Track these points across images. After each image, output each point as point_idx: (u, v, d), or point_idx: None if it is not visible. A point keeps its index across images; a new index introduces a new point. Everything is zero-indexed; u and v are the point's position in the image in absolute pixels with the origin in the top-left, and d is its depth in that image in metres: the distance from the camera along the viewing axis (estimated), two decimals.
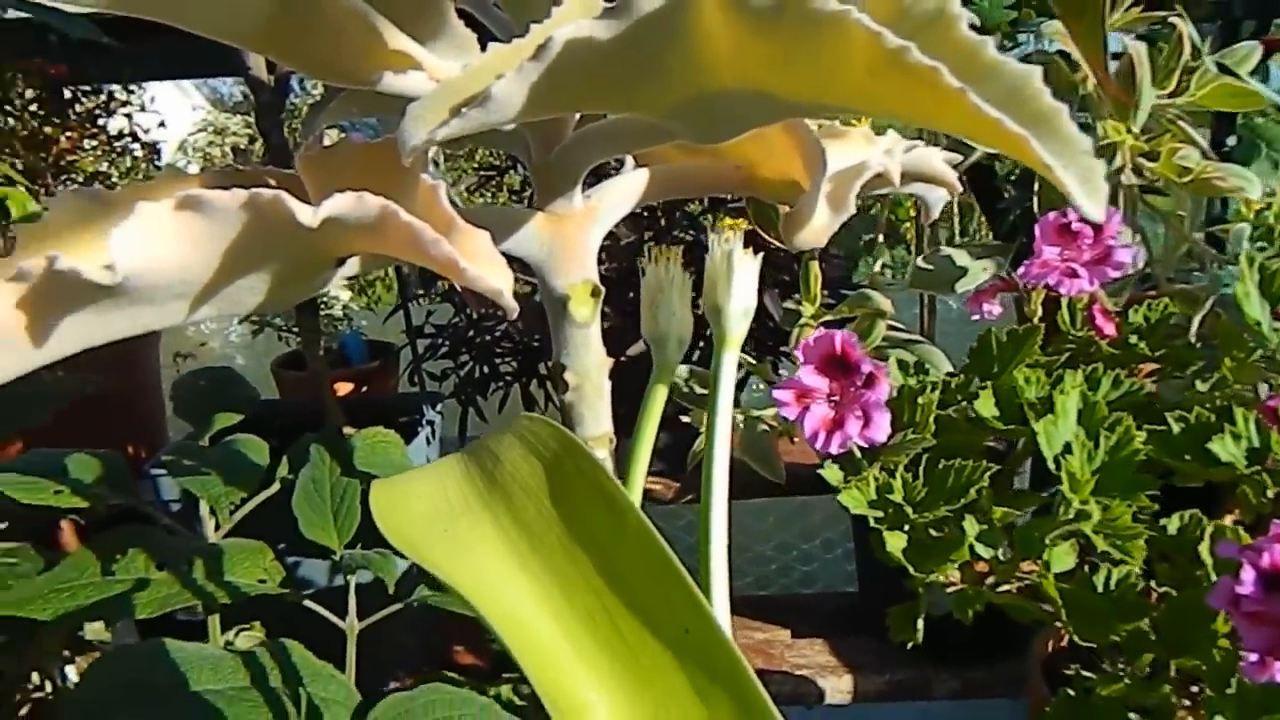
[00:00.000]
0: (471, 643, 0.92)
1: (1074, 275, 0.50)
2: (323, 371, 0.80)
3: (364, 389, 1.19)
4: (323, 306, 1.36)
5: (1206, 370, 0.55)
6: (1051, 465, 0.40)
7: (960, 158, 0.57)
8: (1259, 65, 0.77)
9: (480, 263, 0.34)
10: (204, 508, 0.63)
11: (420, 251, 0.34)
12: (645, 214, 1.06)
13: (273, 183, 0.43)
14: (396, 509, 0.31)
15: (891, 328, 0.74)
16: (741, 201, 1.11)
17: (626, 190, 0.47)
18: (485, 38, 0.38)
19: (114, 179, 1.31)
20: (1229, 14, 1.13)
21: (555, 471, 0.30)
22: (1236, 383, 0.56)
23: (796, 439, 0.58)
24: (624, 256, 0.99)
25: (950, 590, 0.45)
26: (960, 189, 0.55)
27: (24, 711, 0.67)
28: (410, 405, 1.00)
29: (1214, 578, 0.42)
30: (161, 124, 1.48)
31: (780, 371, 0.93)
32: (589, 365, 0.47)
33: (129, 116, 1.34)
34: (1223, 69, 0.72)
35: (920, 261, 0.75)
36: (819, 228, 0.43)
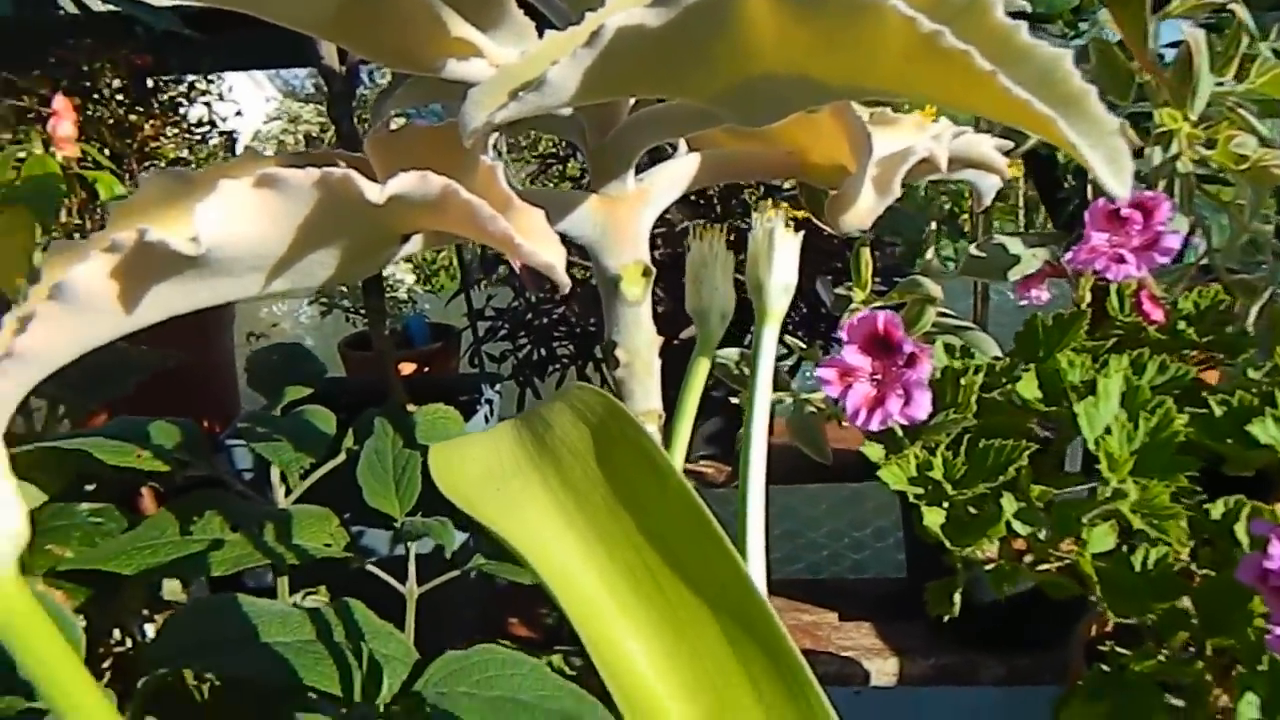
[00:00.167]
0: (526, 615, 0.95)
1: (1121, 261, 0.50)
2: (387, 351, 0.83)
3: (426, 369, 1.22)
4: (388, 289, 1.40)
5: (1261, 357, 0.55)
6: (1092, 446, 0.41)
7: (1011, 144, 0.57)
8: None
9: (534, 239, 0.36)
10: (274, 475, 0.66)
11: (478, 228, 0.35)
12: (700, 201, 1.07)
13: (342, 164, 0.45)
14: (453, 469, 0.33)
15: (942, 314, 0.74)
16: (794, 189, 1.11)
17: (678, 174, 0.48)
18: (543, 25, 0.40)
19: (193, 165, 1.35)
20: None
21: (601, 435, 0.32)
22: None
23: (845, 424, 0.59)
24: (678, 242, 1.00)
25: (988, 568, 0.45)
26: (1009, 175, 0.55)
27: (106, 664, 0.71)
28: (470, 385, 1.02)
29: None
30: (238, 113, 1.53)
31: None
32: (639, 343, 0.49)
33: (208, 105, 1.39)
34: None
35: (973, 249, 0.75)
36: (864, 210, 0.43)
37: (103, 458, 0.58)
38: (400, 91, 0.51)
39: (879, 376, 0.45)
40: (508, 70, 0.37)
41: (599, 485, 0.31)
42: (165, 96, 1.32)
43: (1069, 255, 0.53)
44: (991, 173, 0.57)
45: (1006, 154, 0.57)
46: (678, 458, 0.37)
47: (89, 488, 0.68)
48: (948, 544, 0.43)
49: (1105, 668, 0.42)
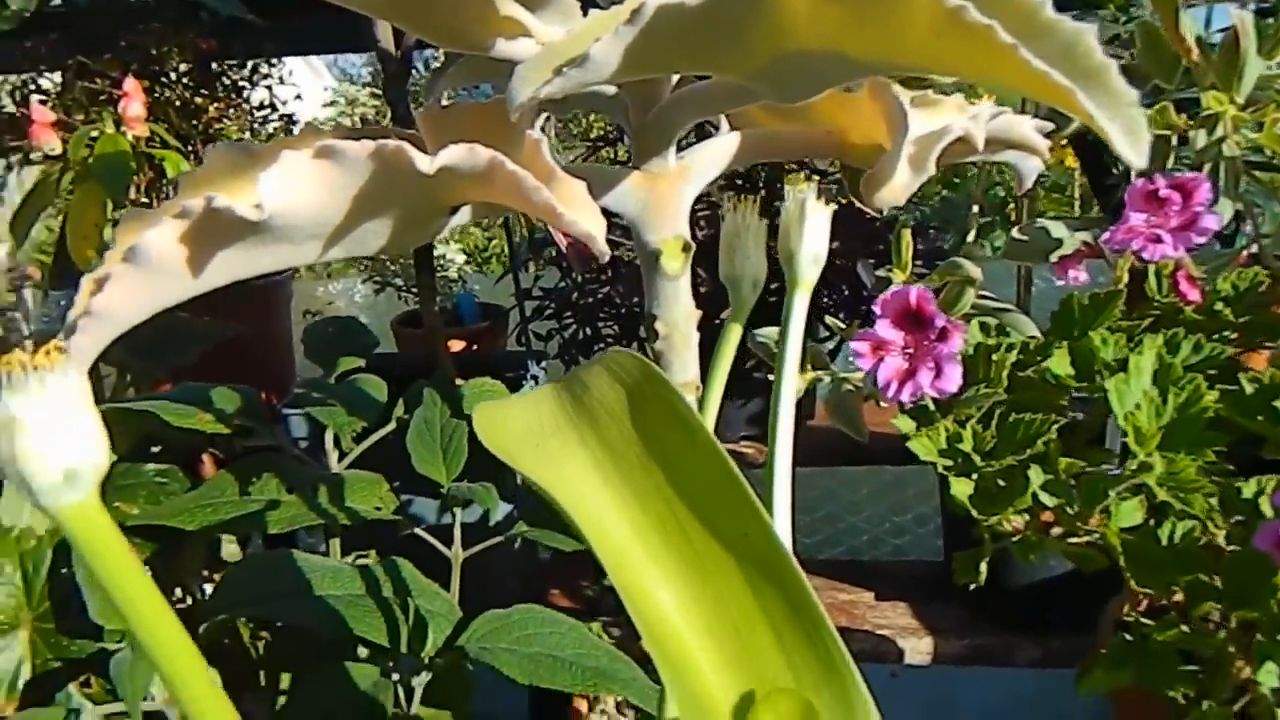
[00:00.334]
0: (568, 587, 0.97)
1: (1158, 241, 0.50)
2: (437, 326, 0.85)
3: (474, 347, 1.25)
4: (439, 269, 1.42)
5: None
6: (1121, 421, 0.41)
7: (1052, 126, 0.57)
8: None
9: (576, 209, 0.37)
10: (328, 441, 0.68)
11: (523, 198, 0.37)
12: (747, 184, 1.07)
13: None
14: (496, 426, 0.34)
15: (982, 297, 0.74)
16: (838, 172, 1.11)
17: (718, 152, 0.49)
18: (588, 5, 0.41)
19: None
20: None
21: (636, 396, 0.33)
22: None
23: (885, 404, 0.60)
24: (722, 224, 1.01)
25: (1014, 539, 0.46)
26: (1050, 159, 0.55)
27: None
28: (516, 362, 1.04)
29: None
30: (298, 96, 1.57)
31: None
32: (678, 316, 0.50)
33: (269, 88, 1.42)
34: None
35: (1016, 233, 0.75)
36: (899, 186, 0.44)
37: (168, 419, 0.61)
38: (452, 71, 0.53)
39: (911, 350, 0.45)
40: (553, 47, 0.39)
41: (633, 443, 0.32)
42: (229, 80, 1.36)
43: (1106, 235, 0.53)
44: (1032, 154, 0.57)
45: (1050, 137, 0.57)
46: (709, 418, 0.38)
47: (154, 450, 0.71)
48: (975, 514, 0.44)
49: (1129, 637, 0.42)
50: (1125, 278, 0.54)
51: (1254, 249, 0.75)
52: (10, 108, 1.32)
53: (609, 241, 1.10)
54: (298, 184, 0.36)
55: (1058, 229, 0.70)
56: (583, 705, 0.75)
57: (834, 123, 0.51)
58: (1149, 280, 0.53)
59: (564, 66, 0.36)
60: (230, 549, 0.77)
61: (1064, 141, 0.99)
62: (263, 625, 0.68)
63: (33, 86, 1.32)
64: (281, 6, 1.31)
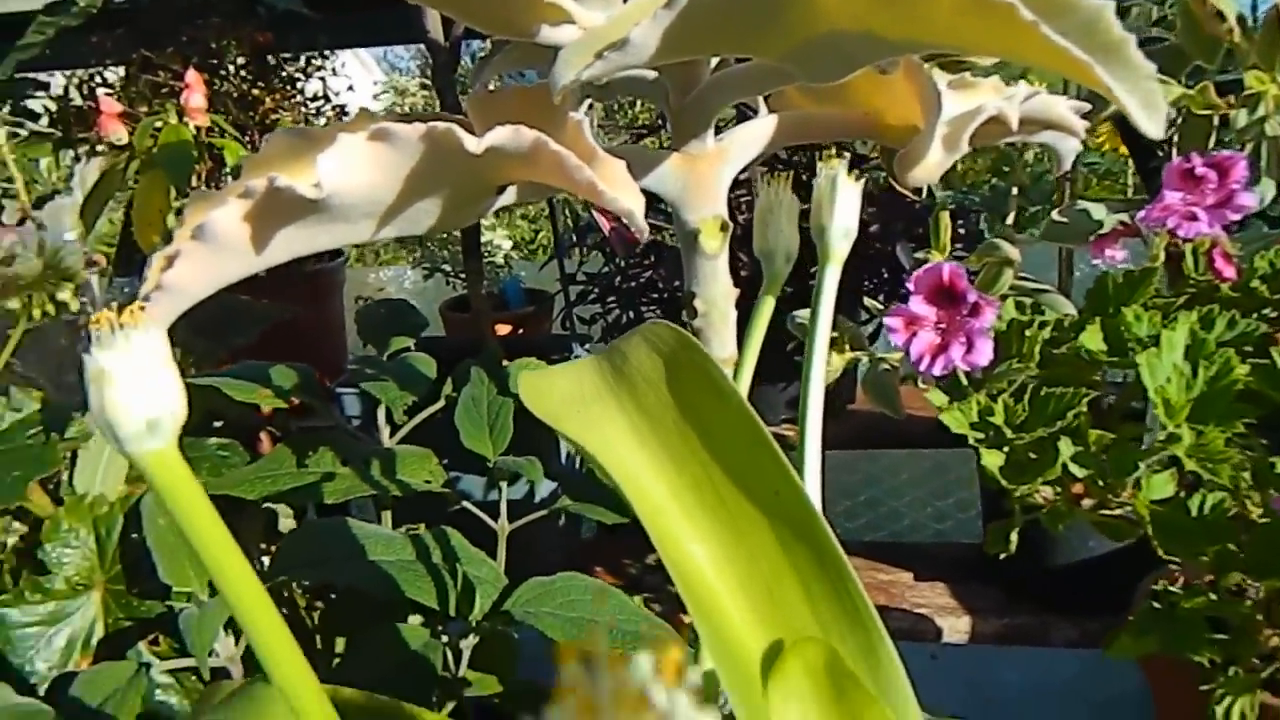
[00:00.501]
0: (611, 564, 0.99)
1: (1193, 218, 0.49)
2: (484, 308, 0.87)
3: (520, 330, 1.27)
4: (486, 255, 1.45)
5: None
6: (1152, 395, 0.41)
7: (1089, 106, 0.57)
8: None
9: (617, 187, 0.39)
10: (380, 417, 0.71)
11: (566, 176, 0.38)
12: (781, 163, 1.08)
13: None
14: (541, 393, 0.36)
15: (1021, 278, 0.74)
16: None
17: (756, 134, 0.50)
18: None
19: None
20: None
21: (672, 364, 0.34)
22: None
23: (924, 386, 0.60)
24: None
25: (1044, 509, 0.46)
26: (1084, 136, 0.55)
27: None
28: (561, 345, 1.06)
29: None
30: (350, 88, 1.60)
31: None
32: (716, 294, 0.51)
33: (323, 80, 1.45)
34: None
35: (1056, 215, 0.74)
36: (932, 165, 0.45)
37: (231, 393, 0.63)
38: (498, 58, 0.55)
39: (944, 326, 0.46)
40: (595, 32, 0.40)
41: (670, 409, 0.34)
42: (284, 73, 1.39)
43: (1142, 214, 0.53)
44: (1070, 135, 0.57)
45: (1089, 118, 0.57)
46: (743, 385, 0.39)
47: (217, 425, 0.74)
48: (1005, 484, 0.45)
49: (1156, 604, 0.43)
50: (1161, 256, 0.54)
51: None
52: (77, 101, 1.37)
53: (650, 226, 1.12)
54: (354, 164, 0.38)
55: (1098, 211, 0.70)
56: None
57: (870, 105, 0.52)
58: (1186, 258, 0.53)
59: (605, 50, 0.37)
60: (286, 522, 0.80)
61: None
62: (317, 595, 0.70)
63: (99, 80, 1.36)
64: (335, 1, 1.34)
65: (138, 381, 0.23)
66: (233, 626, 0.53)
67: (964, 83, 0.54)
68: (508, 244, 1.52)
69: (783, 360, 1.09)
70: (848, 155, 0.99)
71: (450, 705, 0.53)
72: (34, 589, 0.56)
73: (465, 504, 0.66)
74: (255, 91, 1.28)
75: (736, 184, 0.54)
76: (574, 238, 1.35)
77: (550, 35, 0.44)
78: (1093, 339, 0.46)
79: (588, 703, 0.08)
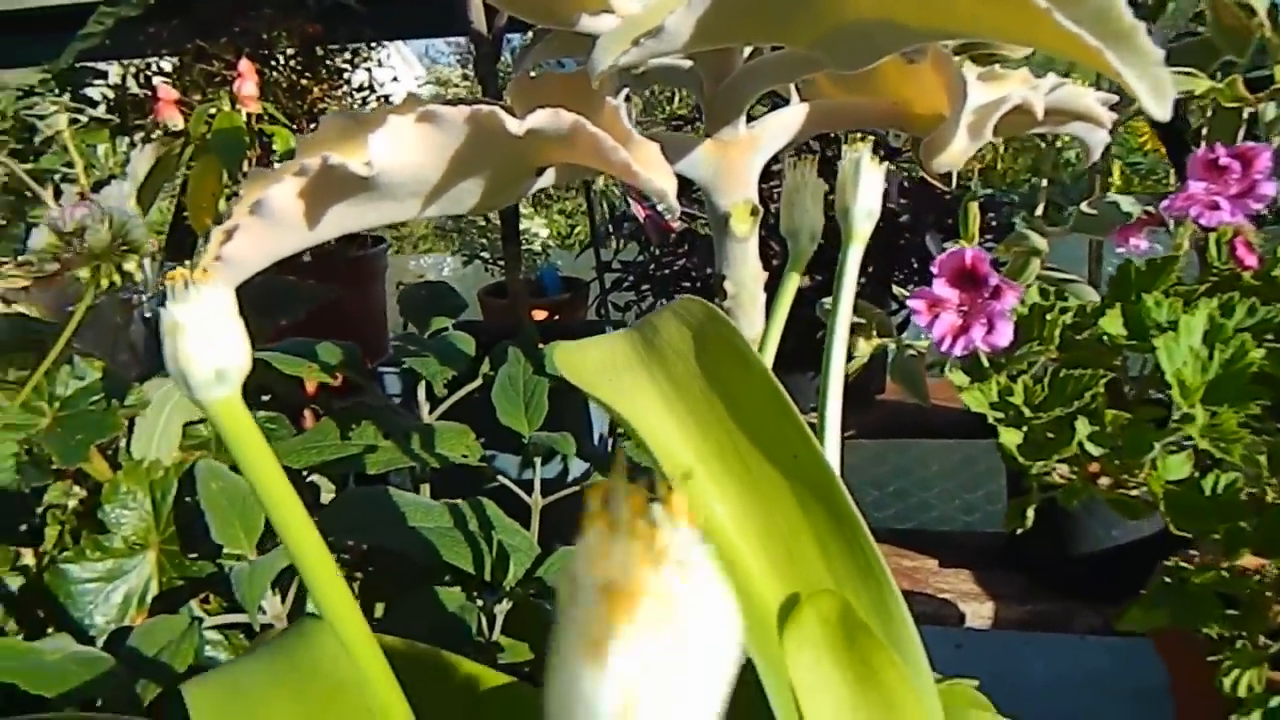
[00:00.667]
0: None
1: (1215, 207, 0.50)
2: (520, 291, 0.89)
3: (556, 316, 1.29)
4: (524, 243, 1.47)
5: None
6: (1170, 378, 0.42)
7: (1116, 98, 0.58)
8: None
9: (650, 168, 0.40)
10: (420, 394, 0.73)
11: (602, 158, 0.40)
12: (806, 148, 1.09)
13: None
14: (576, 362, 0.38)
15: (1049, 269, 0.74)
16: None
17: (786, 121, 0.52)
18: None
19: None
20: None
21: (700, 336, 0.36)
22: None
23: (951, 374, 0.61)
24: None
25: (1060, 487, 0.47)
26: (1109, 126, 0.56)
27: None
28: (595, 331, 1.07)
29: None
30: (394, 79, 1.63)
31: None
32: (745, 276, 0.52)
33: (369, 71, 1.48)
34: None
35: (1085, 206, 0.75)
36: (956, 152, 0.46)
37: (280, 367, 0.66)
38: (539, 46, 0.56)
39: (966, 308, 0.47)
40: (631, 20, 0.42)
41: (697, 378, 0.35)
42: (332, 63, 1.42)
43: (1166, 203, 0.53)
44: (1097, 126, 0.58)
45: (1116, 110, 0.57)
46: (768, 356, 0.40)
47: (264, 399, 0.77)
48: (1021, 460, 0.46)
49: (1168, 579, 0.43)
50: (1185, 244, 0.54)
51: None
52: (133, 89, 1.41)
53: (684, 214, 1.13)
54: (402, 144, 0.40)
55: (1127, 203, 0.70)
56: None
57: (899, 94, 0.53)
58: (1209, 247, 0.53)
59: (641, 37, 0.39)
60: (327, 495, 0.83)
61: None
62: (357, 565, 0.73)
63: (154, 69, 1.40)
64: None
65: (207, 333, 0.25)
66: (279, 585, 0.56)
67: (993, 74, 0.54)
68: (545, 232, 1.54)
69: (812, 349, 1.10)
70: (881, 147, 0.99)
71: None
72: (94, 547, 0.58)
73: (501, 478, 0.68)
74: (304, 81, 1.31)
75: (770, 175, 0.55)
76: (610, 228, 1.37)
77: (589, 24, 0.46)
78: (1113, 323, 0.47)
79: (610, 526, 0.09)
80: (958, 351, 0.46)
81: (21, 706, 0.48)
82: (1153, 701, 0.74)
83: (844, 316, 0.37)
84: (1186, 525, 0.42)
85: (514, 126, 0.39)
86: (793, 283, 0.39)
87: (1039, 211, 0.75)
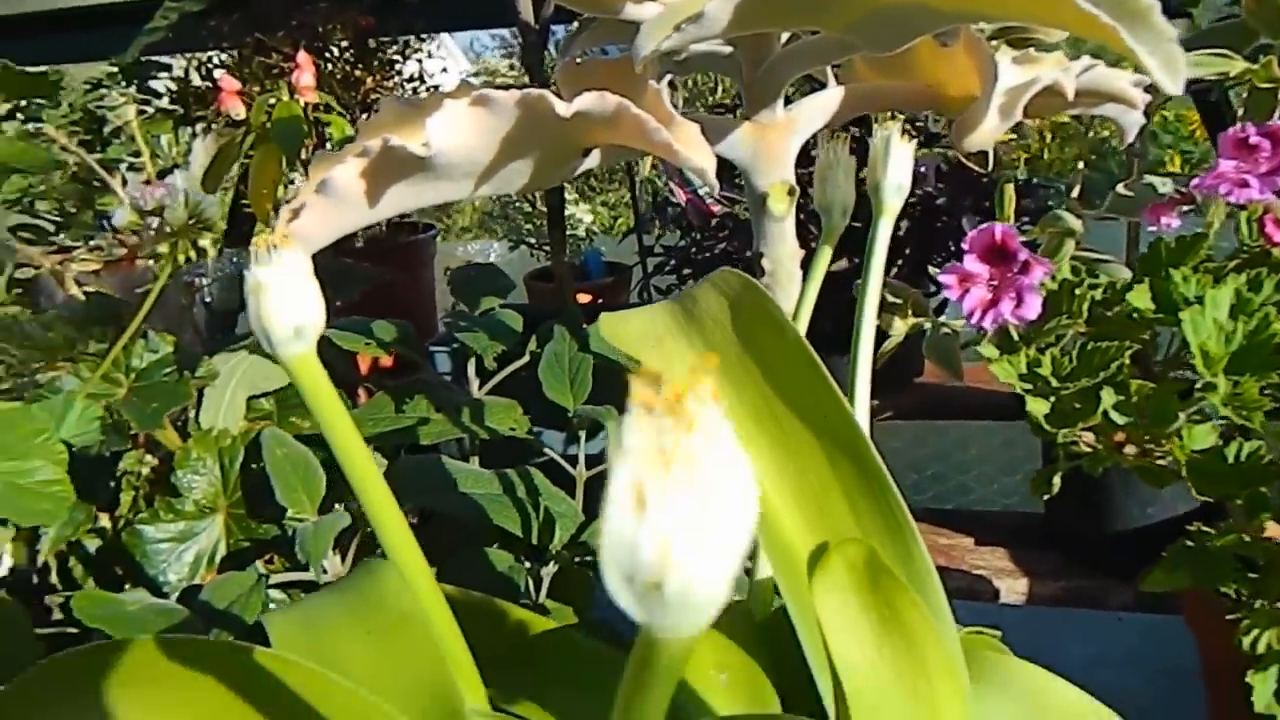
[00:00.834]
0: None
1: (1244, 185, 0.50)
2: (565, 274, 0.91)
3: (599, 300, 1.31)
4: (569, 228, 1.50)
5: None
6: (1195, 351, 0.42)
7: (1149, 80, 0.58)
8: None
9: (691, 147, 0.42)
10: (470, 371, 0.75)
11: (645, 138, 0.42)
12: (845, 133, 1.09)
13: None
14: (619, 329, 0.40)
15: (1084, 249, 0.75)
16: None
17: (822, 104, 0.53)
18: None
19: None
20: None
21: (736, 305, 0.37)
22: None
23: (983, 344, 0.62)
24: None
25: (1085, 454, 0.48)
26: (1142, 107, 0.57)
27: None
28: None
29: None
30: (444, 69, 1.66)
31: None
32: (782, 254, 0.54)
33: (420, 62, 1.51)
34: None
35: (1121, 188, 0.75)
36: (987, 131, 0.47)
37: (339, 343, 0.68)
38: (585, 34, 0.58)
39: (995, 282, 0.48)
40: (673, 7, 0.43)
41: (733, 344, 0.37)
42: (384, 55, 1.45)
43: (1196, 181, 0.53)
44: (1130, 107, 0.58)
45: (1150, 92, 0.58)
46: (801, 324, 0.42)
47: None
48: (1047, 428, 0.47)
49: (1189, 543, 0.44)
50: (1216, 222, 0.55)
51: None
52: (195, 81, 1.45)
53: (725, 199, 1.14)
54: (458, 126, 0.42)
55: (1162, 184, 0.70)
56: None
57: (933, 77, 0.54)
58: (1241, 225, 0.54)
59: (682, 23, 0.41)
60: (384, 464, 0.86)
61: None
62: (411, 529, 0.76)
63: (214, 62, 1.44)
64: None
65: (287, 293, 0.27)
66: (339, 546, 0.58)
67: (1028, 57, 0.55)
68: (589, 218, 1.56)
69: (850, 331, 1.11)
70: (920, 132, 1.00)
71: None
72: (167, 510, 0.62)
73: (547, 450, 0.70)
74: (357, 72, 1.35)
75: (808, 160, 0.56)
76: (653, 215, 1.38)
77: (633, 11, 0.47)
78: (1140, 298, 0.47)
79: (651, 402, 0.11)
80: (987, 324, 0.47)
81: None
82: (1184, 679, 0.75)
83: (874, 283, 0.38)
84: (1209, 491, 0.42)
85: (562, 109, 0.41)
86: (825, 255, 0.41)
87: (1075, 194, 0.75)
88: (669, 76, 0.60)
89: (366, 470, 0.28)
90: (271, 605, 0.61)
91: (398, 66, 1.46)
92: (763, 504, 0.34)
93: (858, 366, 0.38)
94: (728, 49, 0.54)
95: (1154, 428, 0.44)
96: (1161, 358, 0.52)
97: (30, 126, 1.28)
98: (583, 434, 0.72)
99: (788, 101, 0.53)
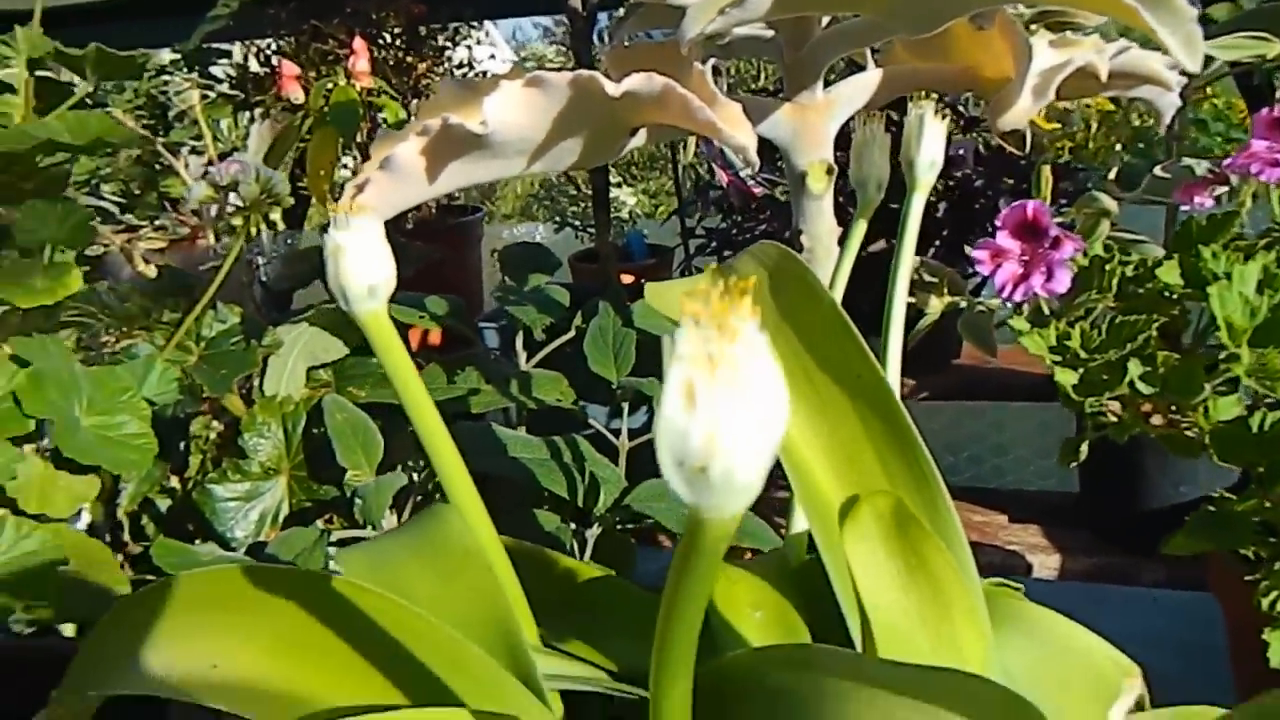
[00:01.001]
0: None
1: (1275, 164, 0.51)
2: (609, 253, 0.93)
3: (642, 281, 1.32)
4: (613, 210, 1.51)
5: None
6: (1221, 324, 0.43)
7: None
8: None
9: (733, 125, 0.44)
10: (518, 344, 0.78)
11: (690, 116, 0.44)
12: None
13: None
14: (662, 296, 0.41)
15: (1121, 230, 0.75)
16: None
17: (861, 86, 0.54)
18: None
19: None
20: None
21: (774, 274, 0.39)
22: None
23: (1017, 321, 0.63)
24: None
25: (1112, 422, 0.49)
26: (1177, 89, 0.57)
27: None
28: None
29: None
30: (491, 56, 1.68)
31: None
32: (821, 231, 0.55)
33: (469, 49, 1.54)
34: None
35: (1158, 170, 0.75)
36: (1021, 110, 0.48)
37: (396, 315, 0.71)
38: (632, 19, 0.60)
39: (1027, 258, 0.49)
40: None
41: (771, 310, 0.39)
42: (434, 42, 1.48)
43: (1228, 161, 0.54)
44: (1165, 89, 0.59)
45: (1185, 74, 0.58)
46: (837, 292, 0.43)
47: None
48: (1074, 397, 0.48)
49: (1211, 509, 0.45)
50: (1247, 201, 0.55)
51: None
52: (254, 67, 1.49)
53: (765, 180, 1.15)
54: (513, 105, 0.44)
55: (1201, 167, 0.70)
56: None
57: (970, 59, 0.55)
58: (1273, 203, 0.54)
59: (726, 7, 0.42)
60: None
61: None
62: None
63: (272, 49, 1.48)
64: None
65: (362, 255, 0.30)
66: (395, 506, 0.61)
67: (1064, 40, 0.56)
68: (633, 201, 1.57)
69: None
70: (960, 117, 1.00)
71: None
72: (235, 471, 0.65)
73: (590, 421, 0.72)
74: (409, 59, 1.37)
75: (847, 143, 0.57)
76: (695, 198, 1.40)
77: None
78: (1170, 273, 0.48)
79: (700, 315, 0.13)
80: (1018, 298, 0.49)
81: None
82: (1213, 655, 0.75)
83: (908, 252, 0.40)
84: (1231, 459, 0.43)
85: (611, 89, 0.43)
86: (860, 228, 0.43)
87: (1112, 175, 0.75)
88: (713, 60, 0.61)
89: (431, 417, 0.30)
90: (330, 564, 0.64)
91: (447, 53, 1.49)
92: (798, 458, 0.36)
93: (890, 330, 0.39)
94: (769, 33, 0.56)
95: (1180, 398, 0.45)
96: (1191, 336, 0.53)
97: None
98: (625, 406, 0.74)
99: (827, 84, 0.54)
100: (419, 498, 0.67)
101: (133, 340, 0.65)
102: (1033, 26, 0.62)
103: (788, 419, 0.38)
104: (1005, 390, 1.18)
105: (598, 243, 0.97)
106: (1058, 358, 0.47)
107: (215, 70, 1.53)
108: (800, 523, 0.41)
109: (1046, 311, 0.52)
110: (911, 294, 0.71)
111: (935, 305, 0.70)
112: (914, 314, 0.99)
